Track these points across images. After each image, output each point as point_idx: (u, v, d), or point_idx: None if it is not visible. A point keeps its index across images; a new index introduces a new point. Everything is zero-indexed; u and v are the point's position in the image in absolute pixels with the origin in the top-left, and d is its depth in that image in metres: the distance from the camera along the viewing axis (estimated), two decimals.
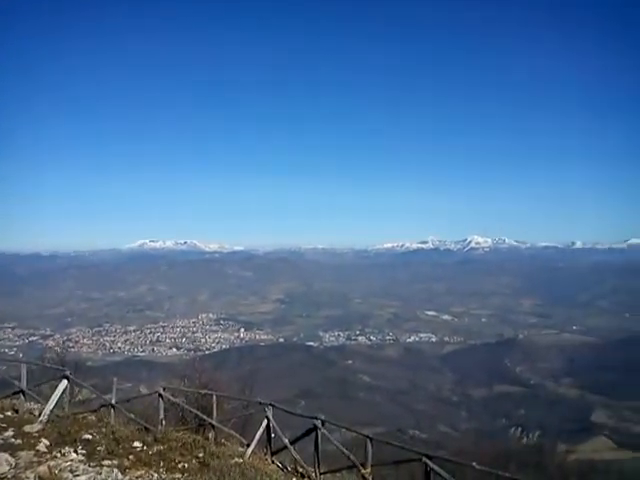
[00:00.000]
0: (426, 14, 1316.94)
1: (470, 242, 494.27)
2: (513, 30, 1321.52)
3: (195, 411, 17.83)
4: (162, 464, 12.10)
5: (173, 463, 12.24)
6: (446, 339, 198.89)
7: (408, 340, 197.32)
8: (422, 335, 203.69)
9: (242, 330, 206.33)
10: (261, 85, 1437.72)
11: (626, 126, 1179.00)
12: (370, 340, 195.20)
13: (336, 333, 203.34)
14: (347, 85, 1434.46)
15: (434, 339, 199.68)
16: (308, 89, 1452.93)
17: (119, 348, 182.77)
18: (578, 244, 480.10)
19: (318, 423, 14.41)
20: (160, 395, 16.80)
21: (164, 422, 16.34)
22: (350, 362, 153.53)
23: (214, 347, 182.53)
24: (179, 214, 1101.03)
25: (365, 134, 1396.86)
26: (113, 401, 17.19)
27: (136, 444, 13.29)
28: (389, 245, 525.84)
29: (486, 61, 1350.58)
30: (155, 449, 13.10)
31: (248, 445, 15.14)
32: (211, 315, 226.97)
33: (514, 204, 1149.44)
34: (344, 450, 13.87)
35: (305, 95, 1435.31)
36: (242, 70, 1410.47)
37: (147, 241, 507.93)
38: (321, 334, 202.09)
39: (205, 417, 16.75)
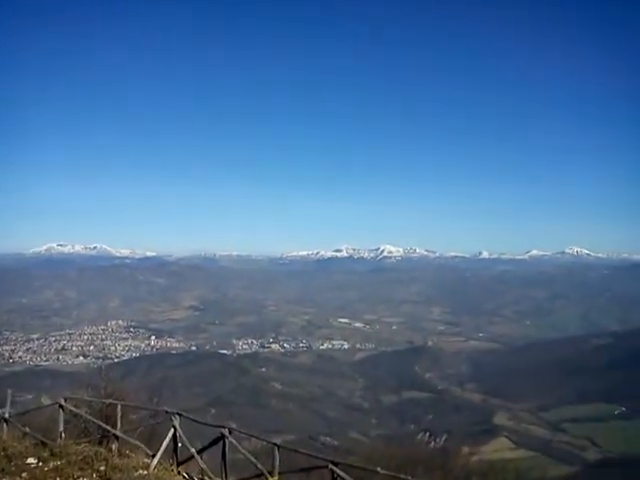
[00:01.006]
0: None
1: (383, 251, 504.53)
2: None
3: (98, 422, 17.18)
4: None
5: (71, 479, 11.74)
6: (358, 346, 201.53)
7: (321, 347, 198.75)
8: (335, 342, 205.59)
9: (153, 338, 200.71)
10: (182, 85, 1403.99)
11: (522, 143, 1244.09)
12: (283, 347, 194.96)
13: (249, 341, 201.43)
14: (263, 88, 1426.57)
15: (346, 346, 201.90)
16: (228, 91, 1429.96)
17: (20, 358, 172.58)
18: (484, 254, 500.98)
19: (225, 432, 14.27)
20: (61, 406, 16.11)
21: (64, 435, 15.66)
22: (263, 370, 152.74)
23: (123, 355, 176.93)
24: (89, 218, 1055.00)
25: (279, 141, 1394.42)
26: (6, 415, 16.28)
27: (30, 460, 12.67)
28: (304, 253, 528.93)
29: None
30: (52, 464, 12.53)
31: (154, 456, 14.76)
32: (121, 322, 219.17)
33: (425, 215, 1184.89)
34: (252, 458, 13.81)
35: (218, 97, 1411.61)
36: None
37: (55, 245, 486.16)
38: (234, 342, 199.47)
39: (109, 428, 16.17)
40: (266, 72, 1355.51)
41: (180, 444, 15.14)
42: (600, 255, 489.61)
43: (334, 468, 12.45)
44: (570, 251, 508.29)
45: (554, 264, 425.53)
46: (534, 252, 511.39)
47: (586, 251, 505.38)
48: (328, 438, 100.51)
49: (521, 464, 72.26)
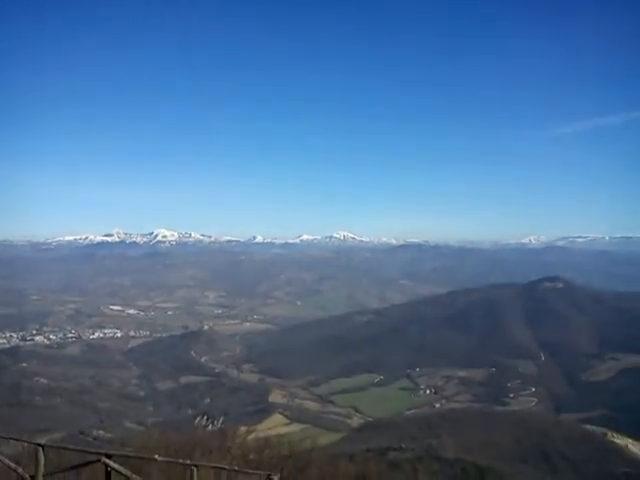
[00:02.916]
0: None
1: (157, 235, 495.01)
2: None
3: None
4: None
5: None
6: (132, 334, 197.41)
7: (91, 337, 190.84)
8: (107, 331, 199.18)
9: None
10: None
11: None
12: (49, 339, 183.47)
13: (8, 334, 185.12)
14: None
15: (119, 334, 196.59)
16: None
17: None
18: (259, 239, 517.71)
19: None
20: None
21: None
22: (25, 365, 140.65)
23: None
24: None
25: (48, 122, 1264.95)
26: None
27: None
28: (71, 237, 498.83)
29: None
30: None
31: None
32: None
33: (201, 199, 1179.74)
34: (10, 464, 12.64)
35: None
36: None
37: None
38: None
39: None
40: None
41: None
42: (364, 239, 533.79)
43: (107, 461, 11.90)
44: (338, 235, 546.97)
45: (323, 247, 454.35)
46: (305, 236, 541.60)
47: (351, 235, 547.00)
48: (101, 431, 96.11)
49: (294, 437, 76.18)
